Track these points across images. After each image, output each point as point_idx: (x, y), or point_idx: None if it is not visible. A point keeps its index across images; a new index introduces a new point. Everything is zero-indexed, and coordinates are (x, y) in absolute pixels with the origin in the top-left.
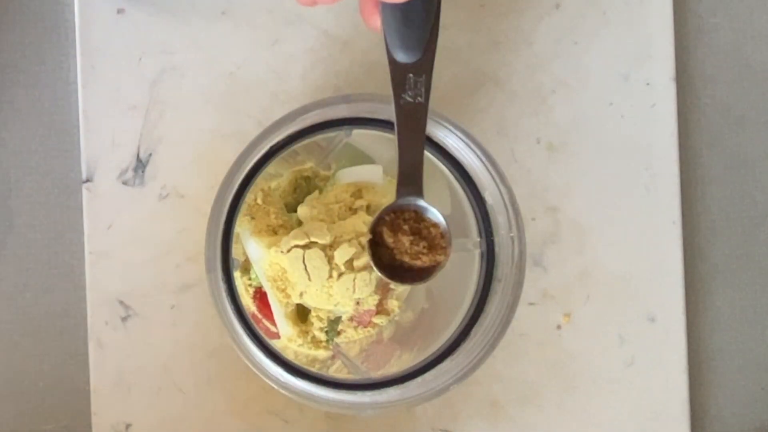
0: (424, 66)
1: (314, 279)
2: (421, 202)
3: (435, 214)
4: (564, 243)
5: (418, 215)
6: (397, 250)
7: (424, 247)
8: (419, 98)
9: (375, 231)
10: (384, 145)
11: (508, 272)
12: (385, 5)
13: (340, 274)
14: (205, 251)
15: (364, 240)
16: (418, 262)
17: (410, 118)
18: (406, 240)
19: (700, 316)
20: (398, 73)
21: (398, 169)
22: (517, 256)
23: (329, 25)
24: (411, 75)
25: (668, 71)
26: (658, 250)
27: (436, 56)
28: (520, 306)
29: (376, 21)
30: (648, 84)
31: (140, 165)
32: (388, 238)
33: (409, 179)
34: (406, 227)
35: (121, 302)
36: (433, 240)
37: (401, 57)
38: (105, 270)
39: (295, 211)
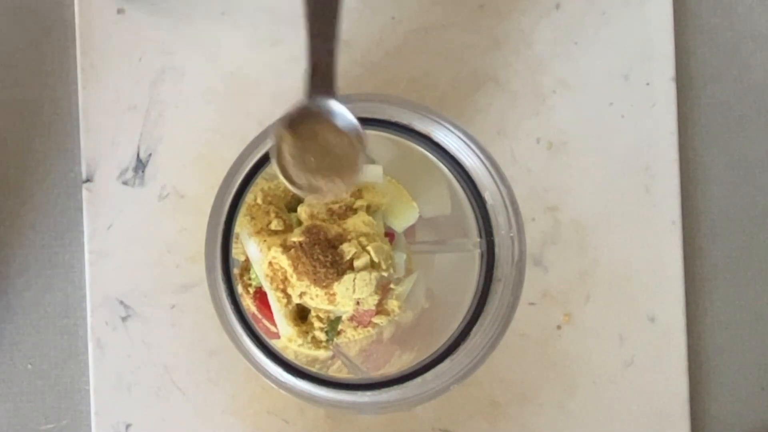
0: None
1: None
2: (333, 104)
3: (346, 119)
4: (564, 243)
5: (332, 123)
6: (297, 166)
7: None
8: None
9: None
10: (384, 145)
11: (508, 272)
12: None
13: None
14: (205, 251)
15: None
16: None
17: (321, 2)
18: (310, 160)
19: (700, 316)
20: None
21: (307, 64)
22: (517, 256)
23: None
24: None
25: (668, 71)
26: (658, 250)
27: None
28: (520, 306)
29: None
30: (648, 84)
31: (140, 165)
32: (290, 149)
33: (320, 76)
34: (312, 143)
35: (121, 302)
36: (345, 155)
37: None
38: (105, 270)
39: (295, 211)
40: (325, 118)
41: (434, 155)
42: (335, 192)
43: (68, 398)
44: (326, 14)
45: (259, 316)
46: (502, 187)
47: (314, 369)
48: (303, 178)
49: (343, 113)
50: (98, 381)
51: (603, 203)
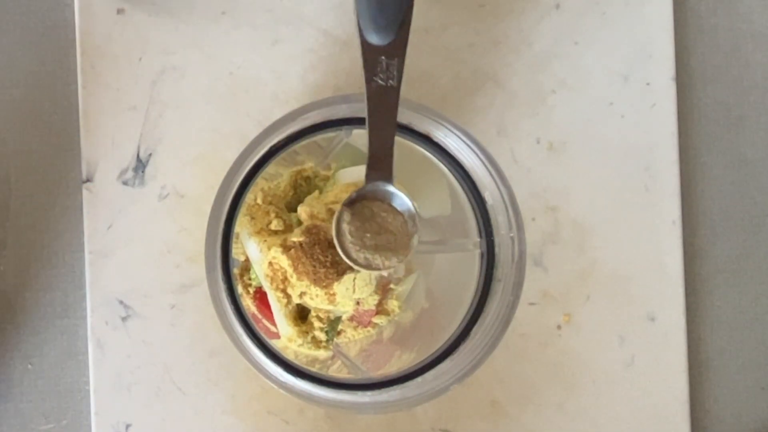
0: (397, 49)
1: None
2: (390, 188)
3: (403, 201)
4: (564, 243)
5: (388, 204)
6: (356, 243)
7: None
8: (391, 81)
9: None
10: None
11: (508, 272)
12: None
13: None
14: (205, 251)
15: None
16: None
17: (381, 101)
18: (365, 236)
19: (700, 316)
20: (370, 55)
21: (368, 154)
22: (517, 256)
23: (329, 25)
24: (383, 57)
25: (668, 71)
26: (658, 250)
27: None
28: (520, 306)
29: None
30: (648, 84)
31: (140, 165)
32: (349, 228)
33: (379, 164)
34: (369, 223)
35: (121, 302)
36: (399, 233)
37: (373, 39)
38: (105, 270)
39: (295, 211)
40: (381, 198)
41: (434, 155)
42: (390, 267)
43: (68, 398)
44: (386, 114)
45: (259, 316)
46: (502, 187)
47: (314, 369)
48: (361, 255)
49: (398, 195)
50: (98, 381)
51: (603, 203)
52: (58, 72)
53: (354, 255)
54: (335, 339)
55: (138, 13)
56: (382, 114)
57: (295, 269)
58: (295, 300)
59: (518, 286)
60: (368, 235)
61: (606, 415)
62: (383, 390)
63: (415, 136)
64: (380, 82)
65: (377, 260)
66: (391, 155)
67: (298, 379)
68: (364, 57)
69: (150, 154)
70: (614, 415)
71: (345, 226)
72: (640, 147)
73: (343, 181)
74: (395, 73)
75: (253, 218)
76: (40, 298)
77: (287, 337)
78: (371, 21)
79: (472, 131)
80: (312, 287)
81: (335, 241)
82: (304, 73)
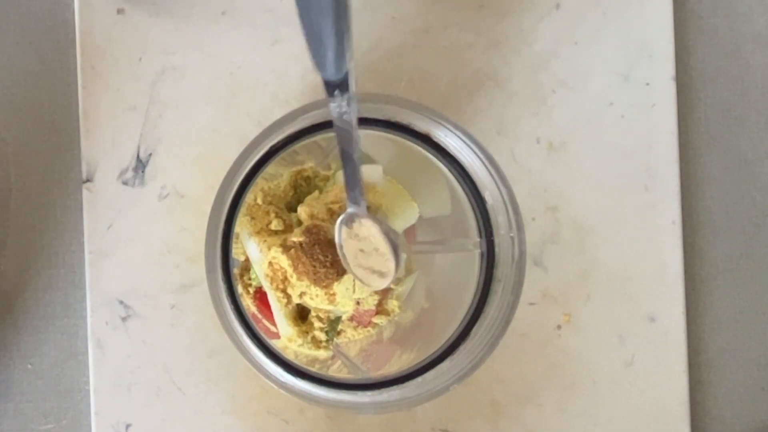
0: (344, 83)
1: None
2: (361, 212)
3: (384, 223)
4: (564, 243)
5: (380, 223)
6: (351, 261)
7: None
8: (346, 116)
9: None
10: (384, 145)
11: (508, 272)
12: (301, 20)
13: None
14: (205, 251)
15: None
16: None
17: (342, 131)
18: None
19: (700, 316)
20: (327, 89)
21: (344, 180)
22: (517, 256)
23: None
24: (337, 91)
25: (668, 71)
26: (658, 250)
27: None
28: (520, 306)
29: None
30: (648, 84)
31: (140, 165)
32: (344, 245)
33: (350, 191)
34: (364, 242)
35: (121, 302)
36: (388, 255)
37: (324, 74)
38: (105, 270)
39: (295, 211)
40: (371, 221)
41: (434, 155)
42: (376, 288)
43: (68, 398)
44: (348, 147)
45: (259, 316)
46: (502, 187)
47: (314, 369)
48: (358, 272)
49: (383, 220)
50: (98, 381)
51: (603, 203)
52: (58, 72)
53: (354, 270)
54: (335, 339)
55: (138, 13)
56: (345, 143)
57: (295, 269)
58: (295, 300)
59: (518, 286)
60: (360, 254)
61: (606, 415)
62: (383, 390)
63: (415, 136)
64: (337, 113)
65: (367, 279)
66: (357, 183)
67: (298, 379)
68: (324, 89)
69: (150, 154)
70: (614, 415)
71: (341, 243)
72: (640, 147)
73: (343, 181)
74: (346, 105)
75: (253, 218)
76: (40, 298)
77: (287, 337)
78: (317, 58)
79: (472, 131)
80: (312, 287)
81: (339, 253)
82: (304, 73)
